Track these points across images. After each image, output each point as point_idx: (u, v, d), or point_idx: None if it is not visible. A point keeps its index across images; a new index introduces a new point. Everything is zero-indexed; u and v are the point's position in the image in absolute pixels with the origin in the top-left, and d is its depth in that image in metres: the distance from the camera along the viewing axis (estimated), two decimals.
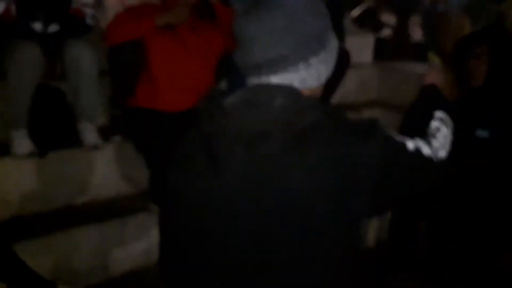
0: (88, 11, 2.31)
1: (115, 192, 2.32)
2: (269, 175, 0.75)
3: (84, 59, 2.17)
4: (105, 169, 2.30)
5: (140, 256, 2.17)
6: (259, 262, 0.77)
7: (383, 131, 0.82)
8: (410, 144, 0.87)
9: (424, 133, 0.98)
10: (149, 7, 2.23)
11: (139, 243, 2.16)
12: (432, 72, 1.24)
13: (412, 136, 0.91)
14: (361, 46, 4.18)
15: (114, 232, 2.11)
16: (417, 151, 0.88)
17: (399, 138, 0.87)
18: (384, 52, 4.13)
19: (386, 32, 5.22)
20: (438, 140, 0.97)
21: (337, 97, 3.39)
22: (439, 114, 1.05)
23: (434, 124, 1.02)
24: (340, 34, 3.15)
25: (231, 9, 2.25)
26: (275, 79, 0.80)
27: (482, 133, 1.67)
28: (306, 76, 0.81)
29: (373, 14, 5.96)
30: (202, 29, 2.27)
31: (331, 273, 0.79)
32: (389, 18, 6.00)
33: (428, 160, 0.90)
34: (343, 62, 3.08)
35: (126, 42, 2.11)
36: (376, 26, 5.60)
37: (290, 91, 0.79)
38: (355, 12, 6.23)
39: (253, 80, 0.82)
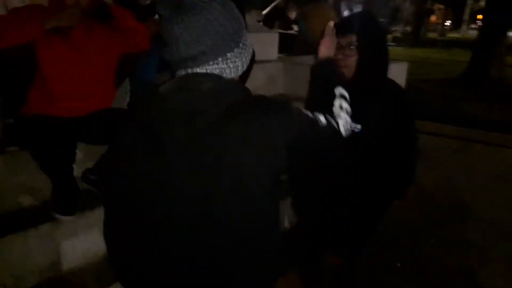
0: None
1: (16, 205, 2.21)
2: (205, 145, 0.90)
3: None
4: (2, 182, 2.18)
5: (47, 270, 2.10)
6: (199, 218, 0.92)
7: (296, 107, 1.00)
8: (322, 118, 1.03)
9: (329, 111, 1.10)
10: (36, 9, 2.09)
11: (44, 256, 2.09)
12: (326, 43, 1.30)
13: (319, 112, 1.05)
14: (267, 43, 4.32)
15: (17, 245, 2.01)
16: (328, 123, 1.04)
17: (312, 114, 1.03)
18: (292, 47, 4.32)
19: (295, 29, 5.47)
20: (342, 118, 1.10)
21: None
22: (339, 90, 1.15)
23: (337, 102, 1.13)
24: None
25: (127, 11, 2.25)
26: (199, 70, 0.96)
27: (355, 127, 1.63)
28: (225, 68, 0.97)
29: (282, 12, 6.23)
30: (98, 32, 2.20)
31: (263, 222, 0.96)
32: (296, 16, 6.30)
33: (337, 132, 1.06)
34: None
35: (13, 48, 1.97)
36: (285, 23, 5.85)
37: (215, 77, 0.95)
38: (265, 11, 6.46)
39: (181, 72, 0.98)
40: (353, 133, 1.41)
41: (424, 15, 31.20)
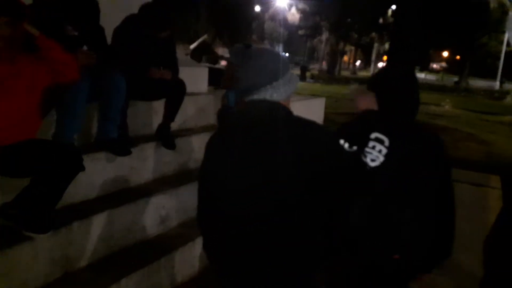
0: None
1: None
2: (259, 149, 1.30)
3: None
4: None
5: None
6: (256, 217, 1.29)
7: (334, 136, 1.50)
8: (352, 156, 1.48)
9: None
10: None
11: None
12: (362, 98, 1.63)
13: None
14: (198, 77, 4.43)
15: None
16: (359, 161, 1.48)
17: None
18: (219, 80, 4.46)
19: (222, 63, 5.67)
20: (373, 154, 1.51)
21: (178, 123, 3.54)
22: (375, 134, 1.52)
23: (371, 143, 1.51)
24: (174, 66, 3.33)
25: (54, 42, 2.21)
26: (256, 96, 1.37)
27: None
28: (272, 93, 1.37)
29: (208, 47, 6.43)
30: (22, 63, 2.15)
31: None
32: (223, 51, 6.55)
33: (366, 172, 1.44)
34: (178, 91, 3.26)
35: None
36: (213, 58, 6.05)
37: (269, 102, 1.37)
38: (192, 46, 6.61)
39: (246, 98, 1.39)
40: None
41: (338, 55, 33.80)
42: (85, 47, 2.86)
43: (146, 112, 3.45)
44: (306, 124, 1.34)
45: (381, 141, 1.51)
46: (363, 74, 40.08)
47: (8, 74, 2.07)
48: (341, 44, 33.84)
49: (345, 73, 38.62)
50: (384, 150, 1.49)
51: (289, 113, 1.38)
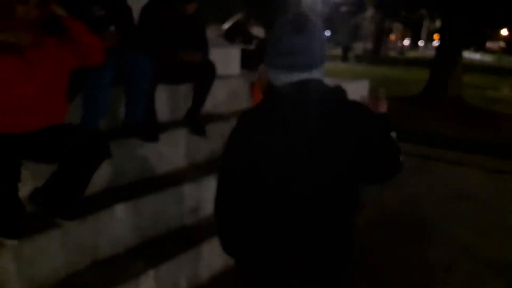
0: None
1: None
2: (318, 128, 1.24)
3: None
4: None
5: None
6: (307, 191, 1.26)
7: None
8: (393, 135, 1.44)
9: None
10: None
11: None
12: (380, 102, 1.62)
13: None
14: (229, 58, 4.27)
15: None
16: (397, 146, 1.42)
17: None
18: (253, 62, 4.28)
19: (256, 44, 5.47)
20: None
21: (208, 108, 3.41)
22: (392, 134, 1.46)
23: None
24: (203, 48, 3.17)
25: (81, 23, 2.12)
26: (309, 74, 1.26)
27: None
28: (323, 74, 1.29)
29: (243, 27, 6.24)
30: (48, 45, 2.10)
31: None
32: (258, 31, 6.33)
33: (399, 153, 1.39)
34: (208, 74, 3.11)
35: None
36: (246, 38, 5.86)
37: (330, 84, 1.31)
38: (225, 26, 6.45)
39: (296, 76, 1.26)
40: None
41: (384, 34, 32.45)
42: (112, 28, 2.78)
43: (175, 97, 3.34)
44: (362, 108, 1.33)
45: None
46: (411, 54, 38.40)
47: (35, 57, 2.03)
48: (387, 22, 32.44)
49: (392, 53, 37.15)
50: None
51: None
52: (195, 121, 3.17)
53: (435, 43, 28.65)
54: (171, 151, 3.02)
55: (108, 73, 2.50)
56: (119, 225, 2.42)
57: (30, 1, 1.98)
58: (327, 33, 31.51)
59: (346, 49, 26.95)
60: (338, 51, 27.86)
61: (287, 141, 1.24)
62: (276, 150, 1.25)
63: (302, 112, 1.25)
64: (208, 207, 2.92)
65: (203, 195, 2.89)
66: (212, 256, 2.66)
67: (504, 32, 40.27)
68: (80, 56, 2.20)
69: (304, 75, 1.26)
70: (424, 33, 38.00)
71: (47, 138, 2.09)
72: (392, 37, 44.06)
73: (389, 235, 3.37)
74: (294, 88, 1.27)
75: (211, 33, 4.10)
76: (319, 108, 1.25)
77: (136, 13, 2.96)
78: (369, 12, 33.06)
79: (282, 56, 1.26)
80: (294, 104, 1.26)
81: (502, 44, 44.62)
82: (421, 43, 46.24)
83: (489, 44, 47.39)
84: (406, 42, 48.05)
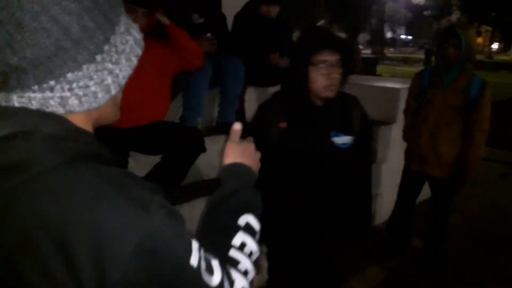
0: None
1: None
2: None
3: None
4: None
5: None
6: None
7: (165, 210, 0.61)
8: (195, 258, 0.62)
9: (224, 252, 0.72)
10: None
11: None
12: (235, 147, 0.91)
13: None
14: None
15: None
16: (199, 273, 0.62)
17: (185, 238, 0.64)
18: None
19: None
20: (239, 269, 0.70)
21: None
22: (247, 219, 0.77)
23: (237, 240, 0.73)
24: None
25: (183, 30, 2.34)
26: None
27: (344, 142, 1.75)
28: None
29: None
30: (156, 50, 2.28)
31: None
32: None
33: None
34: None
35: None
36: None
37: None
38: None
39: None
40: (343, 151, 1.68)
41: None
42: (208, 34, 2.99)
43: (262, 98, 3.47)
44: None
45: None
46: (501, 57, 35.46)
47: (143, 61, 2.23)
48: (475, 25, 30.33)
49: (480, 56, 34.55)
50: None
51: None
52: None
53: None
54: None
55: (206, 76, 2.67)
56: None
57: (138, 10, 2.16)
58: (409, 37, 30.25)
59: (429, 53, 25.68)
60: (421, 55, 26.64)
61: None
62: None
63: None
64: None
65: None
66: None
67: None
68: (182, 60, 2.36)
69: None
70: None
71: (153, 132, 2.26)
72: (480, 40, 41.01)
73: (473, 243, 3.25)
74: None
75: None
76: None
77: (229, 20, 3.15)
78: (455, 15, 31.19)
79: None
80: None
81: None
82: None
83: None
84: (495, 45, 44.44)
